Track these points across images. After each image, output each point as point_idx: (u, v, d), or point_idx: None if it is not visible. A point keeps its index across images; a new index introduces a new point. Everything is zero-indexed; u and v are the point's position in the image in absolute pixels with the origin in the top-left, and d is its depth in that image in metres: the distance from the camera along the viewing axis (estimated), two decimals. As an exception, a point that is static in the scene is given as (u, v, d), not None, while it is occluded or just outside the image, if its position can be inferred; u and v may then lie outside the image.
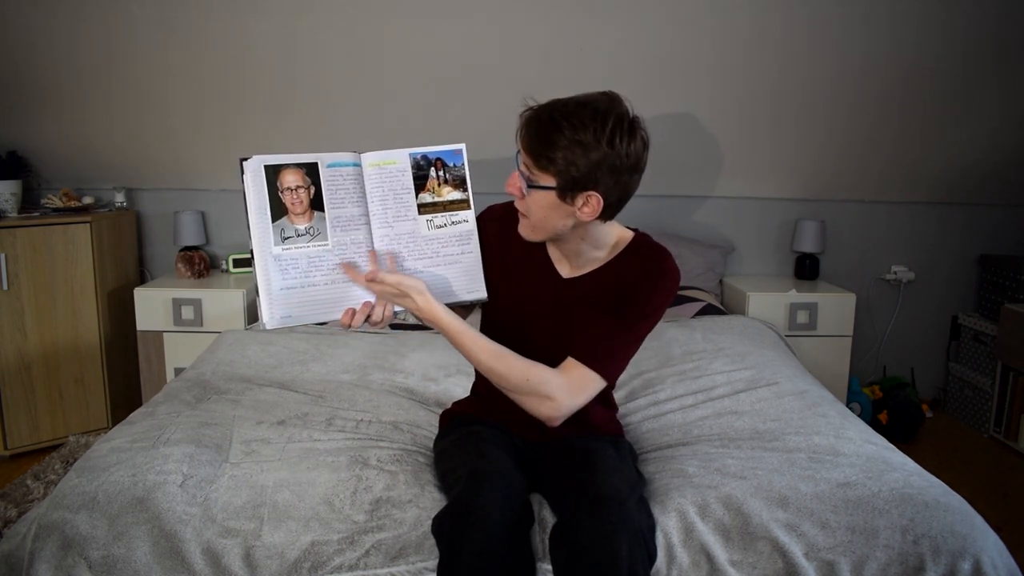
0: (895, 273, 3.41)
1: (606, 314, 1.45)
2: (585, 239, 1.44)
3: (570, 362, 1.42)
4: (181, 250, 3.14)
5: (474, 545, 1.24)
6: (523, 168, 1.36)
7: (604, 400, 1.62)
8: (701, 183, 3.26)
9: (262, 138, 3.00)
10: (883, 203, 3.37)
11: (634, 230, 1.52)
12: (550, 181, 1.33)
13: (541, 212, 1.38)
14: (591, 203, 1.34)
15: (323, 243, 1.41)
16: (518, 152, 1.37)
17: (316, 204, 1.41)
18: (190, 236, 3.16)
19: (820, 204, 3.35)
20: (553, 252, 1.52)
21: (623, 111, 1.31)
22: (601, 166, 1.30)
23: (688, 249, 3.15)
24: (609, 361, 1.43)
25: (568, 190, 1.33)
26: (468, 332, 1.42)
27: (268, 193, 1.39)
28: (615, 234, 1.49)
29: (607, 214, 1.38)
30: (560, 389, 1.40)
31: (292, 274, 1.40)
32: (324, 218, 1.41)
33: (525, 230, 1.44)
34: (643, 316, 1.44)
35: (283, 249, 1.39)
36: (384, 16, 2.56)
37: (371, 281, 1.38)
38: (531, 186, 1.35)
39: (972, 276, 3.47)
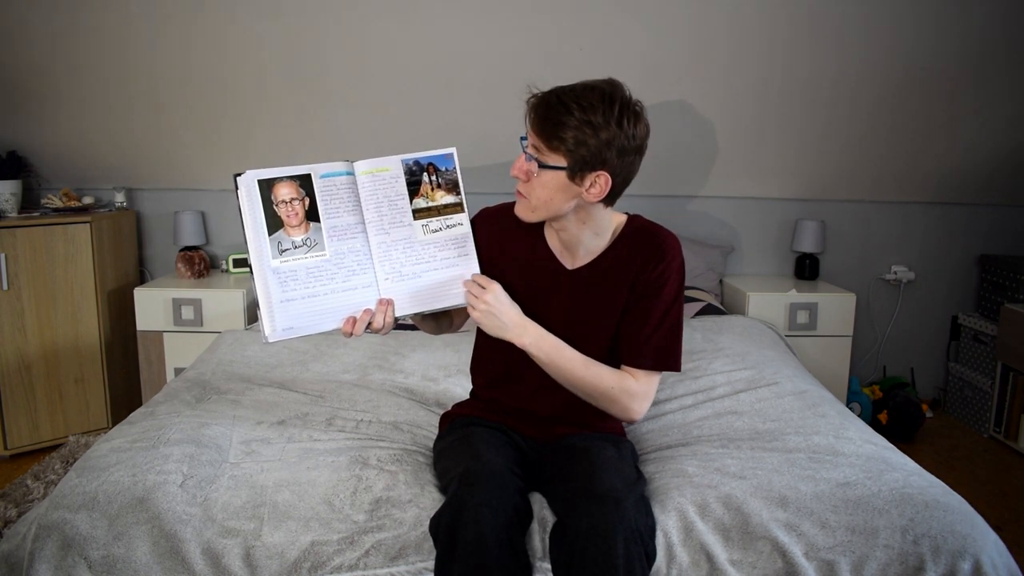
0: (895, 273, 3.41)
1: (634, 309, 1.48)
2: (587, 223, 1.45)
3: (637, 372, 1.47)
4: (181, 250, 3.14)
5: (466, 545, 1.25)
6: (531, 151, 1.37)
7: None
8: (701, 183, 3.26)
9: (262, 138, 3.00)
10: (883, 203, 3.37)
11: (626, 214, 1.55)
12: (560, 161, 1.35)
13: (546, 193, 1.39)
14: (599, 183, 1.37)
15: (320, 253, 1.42)
16: (523, 137, 1.40)
17: (311, 215, 1.41)
18: (190, 236, 3.16)
19: (820, 204, 3.35)
20: (555, 245, 1.52)
21: (628, 95, 1.36)
22: (610, 146, 1.33)
23: (688, 249, 3.14)
24: (671, 356, 1.49)
25: (578, 170, 1.35)
26: (563, 345, 1.47)
27: (263, 207, 1.39)
28: (614, 220, 1.51)
29: (611, 197, 1.41)
30: (638, 396, 1.47)
31: (292, 286, 1.40)
32: (320, 229, 1.41)
33: (523, 211, 1.44)
34: (672, 300, 1.48)
35: (281, 262, 1.40)
36: (384, 18, 2.56)
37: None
38: (542, 166, 1.36)
39: (972, 276, 3.47)
